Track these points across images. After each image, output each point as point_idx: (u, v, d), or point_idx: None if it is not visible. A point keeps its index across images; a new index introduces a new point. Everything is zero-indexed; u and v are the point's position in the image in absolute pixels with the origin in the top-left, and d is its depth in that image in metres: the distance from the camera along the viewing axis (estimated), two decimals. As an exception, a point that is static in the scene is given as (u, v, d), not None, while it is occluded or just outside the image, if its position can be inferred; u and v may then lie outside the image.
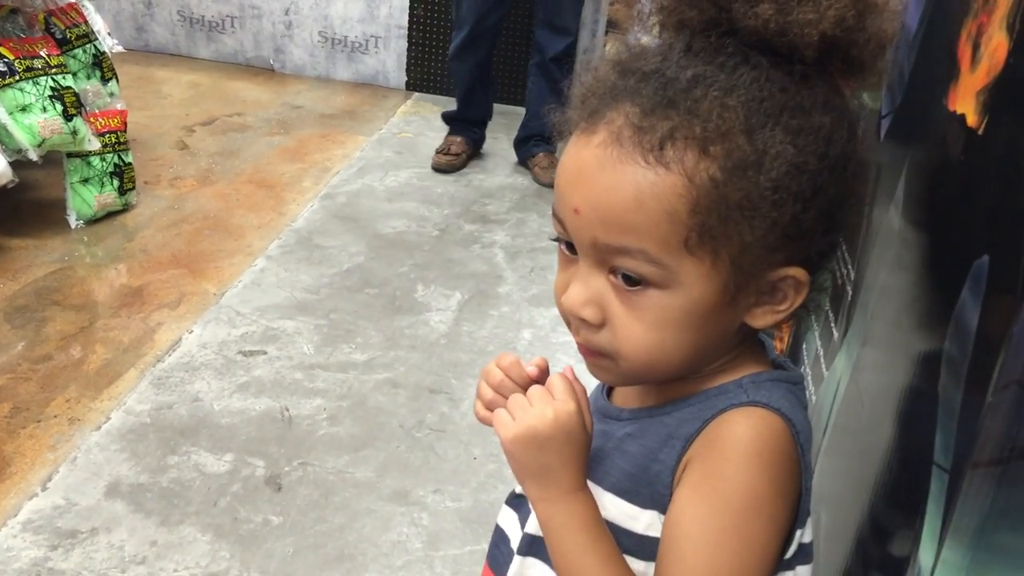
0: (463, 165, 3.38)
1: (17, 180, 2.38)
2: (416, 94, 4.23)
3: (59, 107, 2.44)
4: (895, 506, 0.78)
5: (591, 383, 0.72)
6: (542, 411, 0.64)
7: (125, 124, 2.77)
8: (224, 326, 2.23)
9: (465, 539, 1.62)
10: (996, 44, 0.70)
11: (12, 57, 2.38)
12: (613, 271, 0.62)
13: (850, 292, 1.06)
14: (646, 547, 0.66)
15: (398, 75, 4.28)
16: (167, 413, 1.90)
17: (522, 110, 3.52)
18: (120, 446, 1.79)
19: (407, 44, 4.21)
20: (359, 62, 4.32)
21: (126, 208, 2.78)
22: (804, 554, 0.66)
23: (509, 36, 3.89)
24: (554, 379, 0.67)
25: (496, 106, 3.52)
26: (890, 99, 1.00)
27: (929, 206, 0.83)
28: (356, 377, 2.07)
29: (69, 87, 2.50)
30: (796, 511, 0.64)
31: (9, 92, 2.35)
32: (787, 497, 0.62)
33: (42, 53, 2.47)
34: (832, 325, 1.12)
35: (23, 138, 2.37)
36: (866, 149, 0.64)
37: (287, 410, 1.94)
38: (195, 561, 1.53)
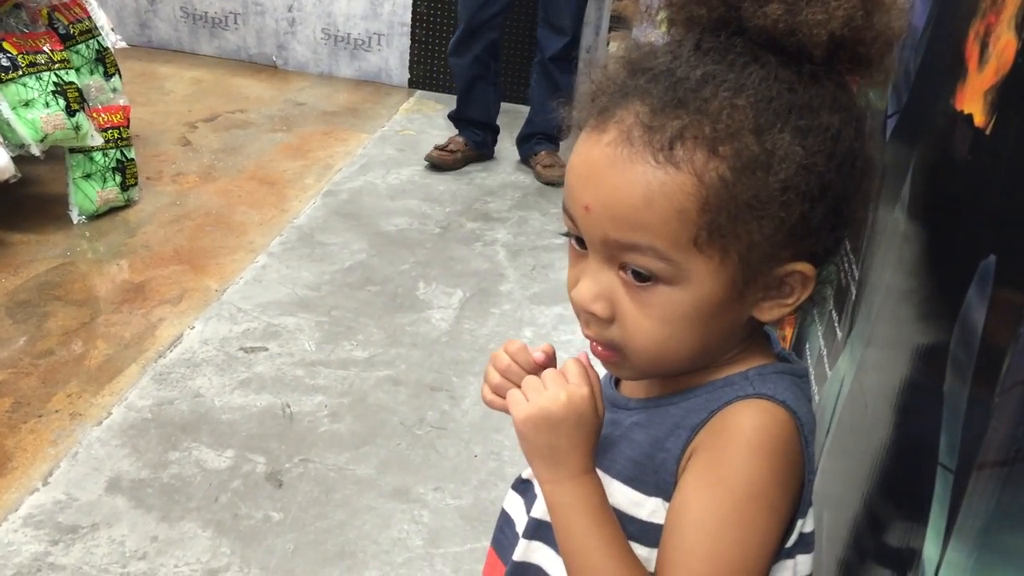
0: (458, 165, 3.34)
1: (19, 175, 2.38)
2: (419, 92, 4.23)
3: (62, 102, 2.44)
4: (899, 506, 0.78)
5: (603, 370, 0.73)
6: (556, 393, 0.65)
7: (128, 120, 2.77)
8: (226, 322, 2.23)
9: (465, 537, 1.62)
10: (1004, 43, 0.69)
11: (15, 52, 2.38)
12: (623, 267, 0.63)
13: (854, 292, 1.06)
14: (650, 533, 0.67)
15: (401, 72, 4.28)
16: (168, 409, 1.89)
17: (525, 108, 3.51)
18: (121, 441, 1.79)
19: (410, 41, 4.21)
20: (362, 59, 4.31)
21: (128, 204, 2.78)
22: (805, 544, 0.68)
23: (512, 34, 3.89)
24: (569, 364, 0.68)
25: (501, 104, 3.49)
26: (896, 98, 0.99)
27: (935, 205, 0.83)
28: (357, 374, 2.07)
29: (72, 82, 2.50)
30: (798, 501, 0.65)
31: (12, 87, 2.35)
32: (790, 487, 0.63)
33: (45, 48, 2.47)
34: (836, 325, 1.12)
35: (26, 133, 2.37)
36: (873, 146, 0.65)
37: (288, 407, 1.94)
38: (196, 557, 1.53)
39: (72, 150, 2.59)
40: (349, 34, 4.28)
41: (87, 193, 2.64)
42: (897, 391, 0.83)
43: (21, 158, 2.39)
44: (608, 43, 4.07)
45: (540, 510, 0.73)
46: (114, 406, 1.89)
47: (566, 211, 0.65)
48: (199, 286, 2.39)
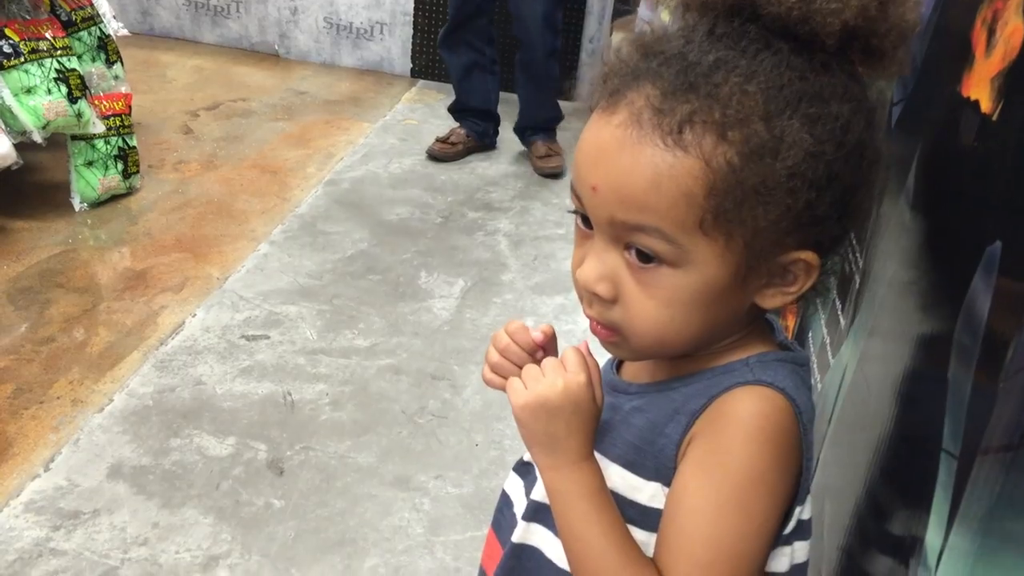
0: (459, 156, 3.33)
1: (21, 162, 2.38)
2: (421, 81, 4.22)
3: (64, 89, 2.44)
4: (902, 493, 0.78)
5: (604, 359, 0.74)
6: (553, 381, 0.66)
7: (129, 107, 2.77)
8: (227, 310, 2.23)
9: (466, 525, 1.63)
10: (1012, 29, 0.69)
11: (17, 39, 2.37)
12: (628, 248, 0.63)
13: (858, 280, 1.05)
14: (649, 518, 0.67)
15: (403, 62, 4.27)
16: (170, 396, 1.90)
17: None
18: (123, 428, 1.79)
19: (412, 31, 4.20)
20: (364, 48, 4.30)
21: (130, 191, 2.78)
22: (802, 530, 0.68)
23: (507, 24, 3.87)
24: (567, 352, 0.69)
25: (501, 94, 3.48)
26: (902, 85, 0.99)
27: (941, 192, 0.82)
28: (358, 363, 2.07)
29: (74, 69, 2.49)
30: (796, 488, 0.65)
31: (14, 74, 2.35)
32: (788, 474, 0.64)
33: (47, 35, 2.46)
34: (839, 313, 1.12)
35: (28, 120, 2.36)
36: (882, 138, 0.65)
37: (289, 395, 1.94)
38: (196, 543, 1.53)
39: (74, 137, 2.59)
40: (351, 23, 4.27)
41: (89, 180, 2.63)
42: (900, 378, 0.83)
43: (23, 145, 2.39)
44: (611, 32, 4.06)
45: (540, 492, 0.74)
46: (115, 393, 1.89)
47: (574, 190, 0.65)
48: (201, 274, 2.39)
